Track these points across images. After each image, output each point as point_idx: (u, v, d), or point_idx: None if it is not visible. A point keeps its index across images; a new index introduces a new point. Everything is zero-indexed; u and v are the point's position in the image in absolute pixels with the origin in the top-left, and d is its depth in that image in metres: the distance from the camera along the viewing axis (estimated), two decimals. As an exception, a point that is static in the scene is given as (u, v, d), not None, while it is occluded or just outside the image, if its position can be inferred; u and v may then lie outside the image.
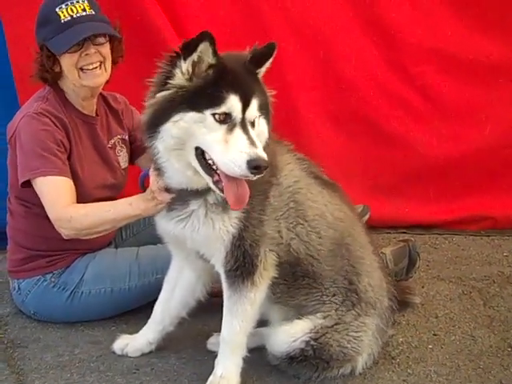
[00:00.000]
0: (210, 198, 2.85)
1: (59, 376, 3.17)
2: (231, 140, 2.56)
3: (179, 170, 2.76)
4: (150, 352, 3.32)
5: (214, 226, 2.86)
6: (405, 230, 4.86)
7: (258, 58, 2.73)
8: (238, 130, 2.58)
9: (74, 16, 3.31)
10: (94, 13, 3.36)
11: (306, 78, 4.69)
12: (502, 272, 4.24)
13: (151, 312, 3.34)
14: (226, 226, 2.86)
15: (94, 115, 3.63)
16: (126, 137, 3.79)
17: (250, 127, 2.61)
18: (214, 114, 2.58)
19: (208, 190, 2.80)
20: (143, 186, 3.17)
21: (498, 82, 4.82)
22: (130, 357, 3.30)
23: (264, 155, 2.54)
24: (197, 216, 2.87)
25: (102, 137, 3.66)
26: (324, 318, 3.02)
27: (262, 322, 3.16)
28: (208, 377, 3.00)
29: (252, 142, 2.56)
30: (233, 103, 2.59)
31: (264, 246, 2.92)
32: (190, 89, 2.62)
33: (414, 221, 4.89)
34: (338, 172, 4.53)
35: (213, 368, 3.02)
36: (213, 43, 2.59)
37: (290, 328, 3.02)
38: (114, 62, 3.50)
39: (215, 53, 2.61)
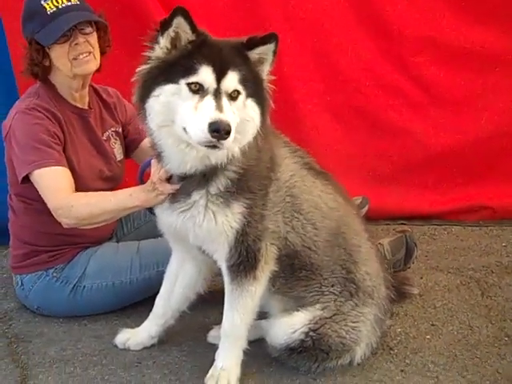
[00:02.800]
0: (212, 189, 2.86)
1: (62, 370, 3.21)
2: (200, 106, 2.59)
3: (173, 146, 2.77)
4: (152, 345, 3.36)
5: (217, 221, 2.88)
6: (404, 221, 4.86)
7: (252, 42, 2.74)
8: (208, 97, 2.60)
9: (60, 7, 3.34)
10: (78, 2, 3.40)
11: (303, 70, 4.70)
12: (500, 262, 4.25)
13: (153, 305, 3.36)
14: (230, 221, 2.88)
15: (87, 108, 3.66)
16: (120, 129, 3.82)
17: (225, 98, 2.62)
18: (188, 84, 2.62)
19: (210, 179, 2.84)
20: (142, 180, 3.18)
21: (495, 71, 4.84)
22: (132, 350, 3.34)
23: (228, 120, 2.54)
24: (197, 207, 2.88)
25: (96, 129, 3.68)
26: (323, 309, 3.05)
27: (262, 315, 3.19)
28: (209, 369, 3.05)
29: (219, 107, 2.57)
30: (205, 73, 2.62)
31: (266, 240, 2.95)
32: (166, 60, 2.69)
33: (412, 211, 4.89)
34: (336, 163, 4.59)
35: (213, 360, 3.07)
36: (187, 18, 2.66)
37: (289, 320, 3.05)
38: (101, 52, 3.53)
39: (193, 28, 2.67)
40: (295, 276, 3.07)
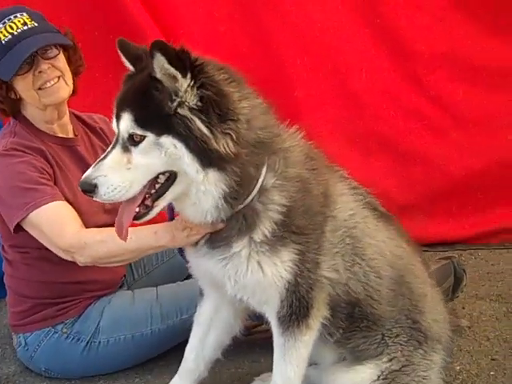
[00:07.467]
0: (257, 236, 2.48)
1: None
2: None
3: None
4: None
5: (265, 272, 2.51)
6: (426, 248, 4.49)
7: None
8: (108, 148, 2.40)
9: (15, 33, 2.99)
10: (36, 24, 3.04)
11: (315, 94, 4.45)
12: (540, 284, 3.98)
13: (176, 357, 3.01)
14: (280, 270, 2.52)
15: (73, 136, 3.31)
16: None
17: (119, 146, 2.35)
18: None
19: (253, 224, 2.47)
20: (172, 216, 2.74)
21: (519, 86, 4.61)
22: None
23: (92, 176, 2.33)
24: (239, 257, 2.51)
25: (88, 158, 3.29)
26: (390, 360, 2.69)
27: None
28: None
29: (98, 161, 2.37)
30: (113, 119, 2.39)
31: (321, 288, 2.60)
32: None
33: (436, 238, 4.63)
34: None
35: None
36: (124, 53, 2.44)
37: (355, 376, 2.68)
38: (75, 74, 3.19)
39: (129, 62, 2.44)
40: (355, 326, 2.71)
